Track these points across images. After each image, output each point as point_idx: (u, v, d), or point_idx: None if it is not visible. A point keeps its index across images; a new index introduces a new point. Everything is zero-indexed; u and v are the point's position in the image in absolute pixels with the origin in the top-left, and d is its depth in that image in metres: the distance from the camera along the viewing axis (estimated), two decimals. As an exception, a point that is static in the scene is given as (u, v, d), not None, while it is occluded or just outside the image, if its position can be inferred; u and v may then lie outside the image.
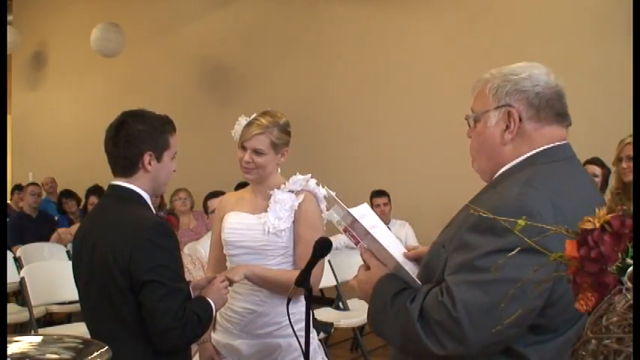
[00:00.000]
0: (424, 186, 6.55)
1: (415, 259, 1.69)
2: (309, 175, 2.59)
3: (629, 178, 3.52)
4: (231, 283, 2.34)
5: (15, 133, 10.80)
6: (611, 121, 5.01)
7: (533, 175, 1.49)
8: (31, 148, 10.47)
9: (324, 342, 4.54)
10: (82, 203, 7.20)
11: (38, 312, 4.83)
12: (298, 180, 2.55)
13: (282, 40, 7.75)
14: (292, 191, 2.54)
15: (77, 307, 4.83)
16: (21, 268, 4.79)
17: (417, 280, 1.55)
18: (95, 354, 1.27)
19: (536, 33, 5.96)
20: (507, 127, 1.56)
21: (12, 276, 4.83)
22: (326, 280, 4.79)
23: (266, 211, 2.52)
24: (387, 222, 5.90)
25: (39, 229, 6.48)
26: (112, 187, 2.20)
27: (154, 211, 2.24)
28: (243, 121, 2.58)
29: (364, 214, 1.69)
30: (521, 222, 1.11)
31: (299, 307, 2.44)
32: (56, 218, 7.21)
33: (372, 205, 5.92)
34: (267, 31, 7.88)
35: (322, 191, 2.57)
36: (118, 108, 2.26)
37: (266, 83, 7.74)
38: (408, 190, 6.46)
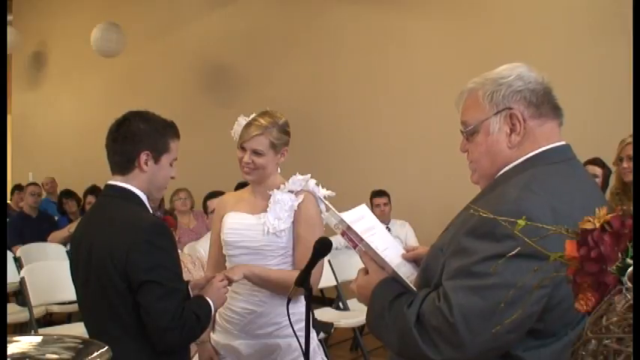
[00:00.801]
0: (424, 186, 6.55)
1: (414, 261, 1.69)
2: (309, 175, 2.59)
3: (629, 178, 3.52)
4: (230, 282, 2.34)
5: (15, 133, 10.81)
6: (612, 121, 5.01)
7: (532, 178, 1.47)
8: (31, 148, 10.47)
9: (324, 342, 4.54)
10: (82, 203, 7.20)
11: (38, 312, 4.83)
12: (298, 180, 2.55)
13: (282, 40, 7.75)
14: (292, 191, 2.54)
15: (77, 307, 4.83)
16: (21, 268, 4.79)
17: (412, 285, 1.55)
18: (95, 354, 1.27)
19: (536, 33, 5.96)
20: (512, 129, 1.54)
21: (12, 276, 4.83)
22: (326, 280, 4.80)
23: (265, 211, 2.51)
24: (387, 222, 5.90)
25: (39, 229, 6.48)
26: (109, 186, 2.20)
27: (151, 211, 2.24)
28: (242, 121, 2.58)
29: (361, 216, 1.68)
30: (521, 222, 1.11)
31: (299, 307, 2.44)
32: (56, 218, 7.21)
33: (372, 205, 5.92)
34: (267, 31, 7.88)
35: (322, 192, 2.57)
36: (118, 108, 2.27)
37: (266, 83, 7.74)
38: (408, 190, 6.46)
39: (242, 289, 2.52)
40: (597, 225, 0.98)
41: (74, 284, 2.22)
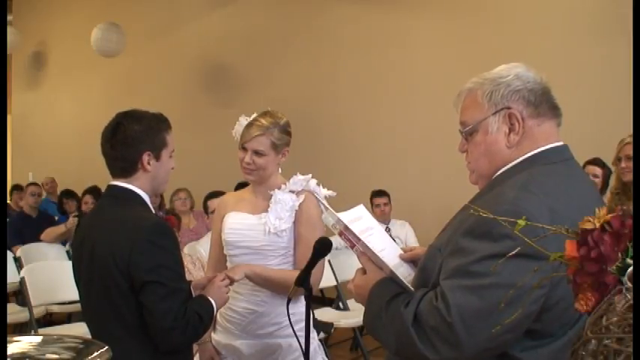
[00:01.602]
0: (424, 186, 6.55)
1: (412, 261, 1.69)
2: (310, 175, 2.59)
3: (628, 177, 3.52)
4: (231, 282, 2.34)
5: (15, 133, 10.81)
6: (611, 122, 5.01)
7: (529, 179, 1.47)
8: (31, 148, 10.48)
9: (324, 342, 4.54)
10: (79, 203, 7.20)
11: (38, 312, 4.83)
12: (299, 180, 2.55)
13: (282, 40, 7.75)
14: (293, 191, 2.54)
15: (77, 307, 4.84)
16: (21, 268, 4.79)
17: (409, 285, 1.55)
18: (95, 354, 1.27)
19: (536, 33, 5.96)
20: (511, 129, 1.54)
21: (12, 276, 4.84)
22: (326, 280, 4.79)
23: (266, 211, 2.52)
24: (387, 222, 5.90)
25: (39, 229, 6.48)
26: (111, 187, 2.20)
27: (153, 211, 2.25)
28: (243, 121, 2.58)
29: (359, 217, 1.68)
30: (521, 222, 1.11)
31: (299, 307, 2.44)
32: (56, 218, 7.21)
33: (372, 205, 5.92)
34: (268, 31, 7.88)
35: (323, 191, 2.57)
36: (118, 108, 2.26)
37: (266, 83, 7.74)
38: (408, 190, 6.46)
39: (243, 289, 2.52)
40: (597, 225, 0.98)
41: (76, 284, 2.22)
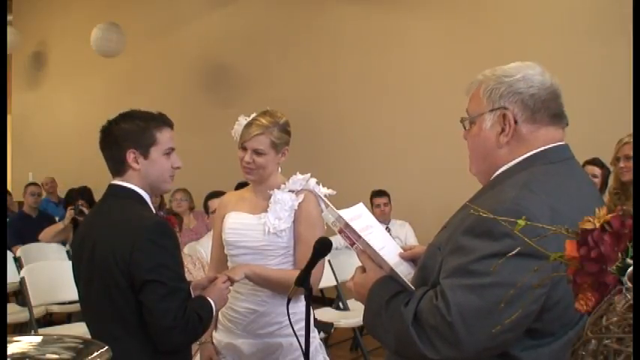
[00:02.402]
0: (424, 186, 6.55)
1: (412, 260, 1.69)
2: (309, 174, 2.59)
3: (627, 177, 3.53)
4: (232, 282, 2.34)
5: (15, 133, 10.81)
6: (611, 122, 5.01)
7: (530, 178, 1.47)
8: (31, 148, 10.47)
9: (324, 342, 4.54)
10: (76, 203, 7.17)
11: (38, 312, 4.83)
12: (298, 180, 2.55)
13: (282, 40, 7.75)
14: (292, 191, 2.54)
15: (77, 307, 4.83)
16: (21, 268, 4.79)
17: (409, 284, 1.55)
18: (95, 354, 1.27)
19: (536, 33, 5.96)
20: (503, 130, 1.54)
21: (12, 276, 4.83)
22: (326, 280, 4.79)
23: (266, 211, 2.52)
24: (387, 222, 5.90)
25: (39, 229, 6.48)
26: (111, 186, 2.20)
27: (154, 211, 2.25)
28: (243, 120, 2.58)
29: (359, 215, 1.68)
30: (521, 222, 1.11)
31: (300, 306, 2.44)
32: (57, 219, 7.20)
33: (372, 205, 5.92)
34: (268, 31, 7.88)
35: (322, 190, 2.57)
36: (118, 108, 2.27)
37: (266, 83, 7.74)
38: (408, 190, 6.46)
39: (244, 288, 2.52)
40: (597, 225, 0.98)
41: (76, 284, 2.22)
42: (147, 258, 2.02)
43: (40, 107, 10.50)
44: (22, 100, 10.82)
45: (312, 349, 2.27)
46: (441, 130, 6.28)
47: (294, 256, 2.53)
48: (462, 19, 6.47)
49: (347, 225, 1.61)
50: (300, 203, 2.51)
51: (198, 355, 2.66)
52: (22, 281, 4.35)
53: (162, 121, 2.20)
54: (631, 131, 3.44)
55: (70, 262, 2.33)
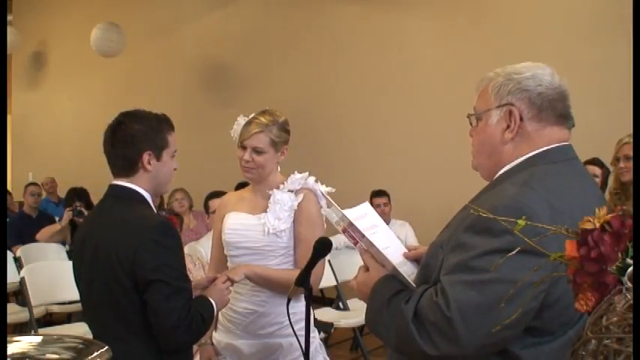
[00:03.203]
0: (424, 186, 6.55)
1: (415, 260, 1.69)
2: (307, 173, 2.59)
3: (627, 177, 3.53)
4: (232, 282, 2.34)
5: (15, 133, 10.81)
6: (611, 122, 5.01)
7: (531, 176, 1.48)
8: (31, 148, 10.47)
9: (324, 342, 4.54)
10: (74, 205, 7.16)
11: (38, 312, 4.83)
12: (297, 179, 2.55)
13: (282, 40, 7.75)
14: (291, 191, 2.54)
15: (77, 307, 4.84)
16: (21, 268, 4.79)
17: (412, 283, 1.55)
18: (95, 354, 1.27)
19: (536, 33, 5.96)
20: (508, 126, 1.55)
21: (12, 276, 4.83)
22: (326, 280, 4.79)
23: (266, 211, 2.52)
24: (387, 222, 5.83)
25: (39, 229, 6.48)
26: (113, 186, 2.20)
27: (155, 211, 2.25)
28: (242, 120, 2.58)
29: (364, 214, 1.68)
30: (521, 222, 1.11)
31: (300, 307, 2.44)
32: (57, 219, 7.20)
33: (371, 205, 5.90)
34: (267, 31, 7.88)
35: (322, 188, 2.57)
36: (118, 108, 2.26)
37: (266, 83, 7.74)
38: (408, 190, 6.46)
39: (244, 289, 2.52)
40: (597, 225, 0.98)
41: (77, 284, 2.22)
42: (151, 258, 2.02)
43: (40, 107, 10.49)
44: (22, 100, 10.82)
45: (312, 349, 2.27)
46: (441, 130, 6.28)
47: (294, 256, 2.53)
48: (462, 20, 6.47)
49: (351, 224, 1.61)
50: (299, 203, 2.51)
51: (198, 355, 2.66)
52: (22, 281, 4.35)
53: (170, 124, 2.23)
54: (631, 131, 3.44)
55: (70, 262, 2.33)
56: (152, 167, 2.15)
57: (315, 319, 3.01)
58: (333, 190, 2.57)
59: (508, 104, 1.55)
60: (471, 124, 1.65)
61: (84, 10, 9.60)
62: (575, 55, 5.70)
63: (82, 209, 6.05)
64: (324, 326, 4.16)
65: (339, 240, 4.93)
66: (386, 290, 1.54)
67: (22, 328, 5.09)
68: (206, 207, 4.67)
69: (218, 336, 2.63)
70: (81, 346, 1.31)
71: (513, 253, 1.18)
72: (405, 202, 6.25)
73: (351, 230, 1.62)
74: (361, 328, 4.97)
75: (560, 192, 1.46)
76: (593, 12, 5.74)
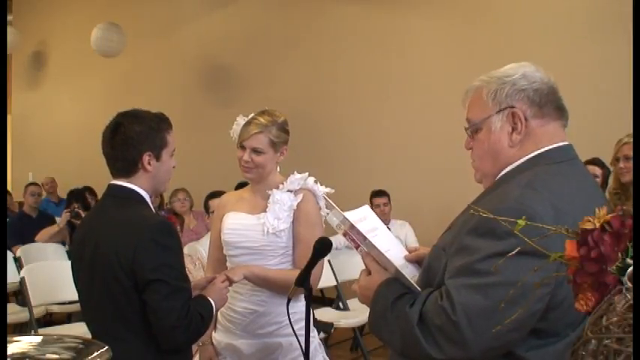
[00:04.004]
0: (424, 186, 6.55)
1: (416, 261, 1.68)
2: (307, 173, 2.59)
3: (627, 178, 3.53)
4: (230, 283, 2.34)
5: (15, 133, 10.80)
6: (612, 121, 5.01)
7: (534, 178, 1.48)
8: (31, 148, 10.47)
9: (324, 342, 4.54)
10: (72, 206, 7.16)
11: (38, 312, 4.83)
12: (296, 179, 2.55)
13: (282, 40, 7.75)
14: (291, 191, 2.54)
15: (77, 307, 4.83)
16: (21, 268, 4.79)
17: (415, 285, 1.54)
18: (95, 354, 1.27)
19: (536, 33, 5.96)
20: (514, 128, 1.54)
21: (12, 276, 4.83)
22: (326, 280, 4.79)
23: (265, 210, 2.52)
24: (387, 222, 5.90)
25: (39, 229, 6.48)
26: (112, 187, 2.19)
27: (154, 211, 2.25)
28: (241, 120, 2.58)
29: (364, 217, 1.67)
30: (521, 222, 1.11)
31: (299, 306, 2.44)
32: (57, 219, 7.20)
33: (371, 205, 5.91)
34: (268, 31, 7.88)
35: (321, 189, 2.57)
36: (118, 108, 2.26)
37: (266, 83, 7.74)
38: (408, 190, 6.46)
39: (243, 289, 2.52)
40: (597, 225, 0.98)
41: (76, 284, 2.22)
42: (150, 258, 2.02)
43: (40, 107, 10.49)
44: (22, 100, 10.82)
45: (311, 348, 2.27)
46: (441, 130, 6.28)
47: (292, 256, 2.53)
48: (462, 19, 6.47)
49: (352, 227, 1.60)
50: (299, 203, 2.51)
51: (198, 355, 2.66)
52: (22, 281, 4.35)
53: (168, 123, 2.22)
54: (631, 131, 3.44)
55: (70, 262, 2.33)
56: (152, 167, 2.15)
57: (315, 319, 3.01)
58: (333, 190, 2.57)
59: (509, 107, 1.54)
60: (469, 135, 1.62)
61: (84, 10, 9.59)
62: (575, 54, 5.70)
63: (80, 211, 6.06)
64: (324, 326, 4.16)
65: (339, 240, 4.93)
66: (389, 294, 1.53)
67: (22, 328, 5.08)
68: (206, 207, 4.68)
69: (218, 336, 2.63)
70: (81, 346, 1.31)
71: (513, 253, 1.17)
72: (405, 202, 6.25)
73: (352, 233, 1.61)
74: (361, 328, 4.97)
75: (563, 193, 1.46)
76: (592, 11, 5.74)
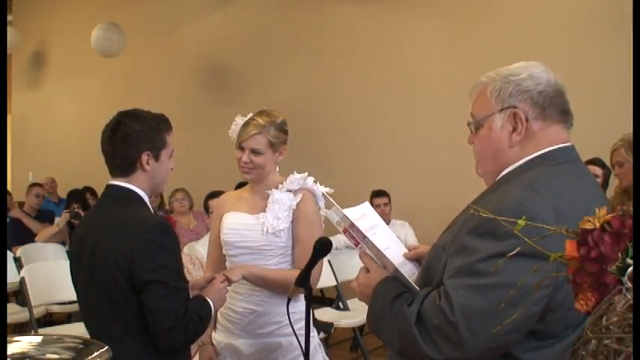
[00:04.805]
0: (424, 186, 6.55)
1: (416, 259, 1.68)
2: (306, 173, 2.59)
3: (624, 183, 3.52)
4: (229, 282, 2.34)
5: (15, 133, 10.80)
6: (612, 121, 5.00)
7: (535, 178, 1.47)
8: (31, 148, 10.47)
9: (324, 342, 4.54)
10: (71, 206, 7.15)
11: (38, 312, 4.83)
12: (296, 179, 2.55)
13: (282, 40, 7.75)
14: (290, 190, 2.54)
15: (77, 307, 4.80)
16: (21, 268, 4.79)
17: (414, 284, 1.54)
18: (95, 354, 1.27)
19: (536, 33, 5.96)
20: (514, 128, 1.53)
21: (12, 276, 4.83)
22: (326, 280, 4.80)
23: (264, 210, 2.52)
24: (387, 222, 5.86)
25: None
26: (110, 187, 2.19)
27: (153, 211, 2.25)
28: (239, 120, 2.58)
29: (364, 214, 1.67)
30: (521, 222, 1.10)
31: (299, 306, 2.44)
32: (56, 219, 7.20)
33: (372, 206, 5.90)
34: (268, 31, 7.87)
35: (320, 189, 2.57)
36: (118, 108, 2.26)
37: (266, 83, 7.74)
38: (408, 190, 6.46)
39: (242, 288, 2.52)
40: (597, 225, 0.98)
41: (74, 284, 2.22)
42: (148, 258, 2.02)
43: (40, 107, 10.49)
44: (22, 100, 10.81)
45: (310, 348, 2.27)
46: (442, 129, 6.28)
47: (292, 256, 2.53)
48: (462, 19, 6.47)
49: (352, 225, 1.60)
50: (298, 203, 2.51)
51: (198, 356, 2.65)
52: (22, 281, 4.35)
53: (169, 124, 2.22)
54: (630, 130, 3.43)
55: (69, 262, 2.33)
56: (150, 167, 2.15)
57: (315, 319, 3.01)
58: (332, 190, 2.57)
59: (511, 107, 1.54)
60: (471, 131, 1.62)
61: (84, 10, 9.59)
62: (575, 54, 5.70)
63: (80, 211, 6.06)
64: (324, 326, 4.15)
65: (339, 240, 4.93)
66: (388, 292, 1.53)
67: (22, 328, 5.08)
68: (206, 207, 4.68)
69: (217, 336, 2.62)
70: (81, 346, 1.31)
71: (513, 253, 1.17)
72: (405, 202, 6.25)
73: (352, 231, 1.61)
74: (361, 328, 4.97)
75: (564, 194, 1.46)
76: (592, 11, 5.74)
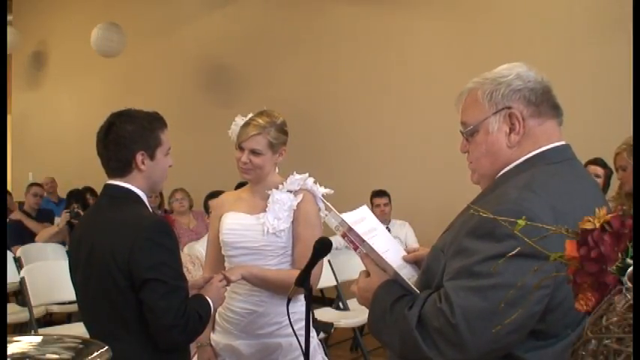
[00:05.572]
0: (424, 186, 6.55)
1: (415, 262, 1.68)
2: (307, 174, 2.59)
3: (626, 188, 3.51)
4: (228, 282, 2.34)
5: (15, 133, 10.80)
6: (612, 121, 5.01)
7: (532, 179, 1.47)
8: (31, 148, 10.47)
9: (324, 342, 4.54)
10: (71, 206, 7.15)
11: (38, 312, 4.83)
12: (296, 180, 2.55)
13: (282, 40, 7.75)
14: (290, 191, 2.54)
15: (77, 306, 4.83)
16: (21, 268, 4.79)
17: (413, 287, 1.54)
18: (95, 354, 1.27)
19: (536, 33, 5.96)
20: (511, 129, 1.54)
21: (12, 276, 4.83)
22: (326, 280, 4.80)
23: (264, 211, 2.51)
24: (387, 222, 5.90)
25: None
26: (108, 186, 2.19)
27: (151, 210, 2.24)
28: (239, 120, 2.57)
29: (362, 218, 1.67)
30: (521, 222, 1.10)
31: (299, 306, 2.44)
32: (56, 218, 7.20)
33: (372, 206, 5.92)
34: (268, 31, 7.88)
35: (320, 190, 2.57)
36: (118, 108, 2.26)
37: (266, 83, 7.74)
38: (408, 190, 6.46)
39: (241, 289, 2.52)
40: (597, 225, 0.98)
41: (73, 284, 2.22)
42: (146, 257, 2.02)
43: (40, 107, 10.49)
44: (22, 100, 10.81)
45: (310, 348, 2.27)
46: (441, 130, 6.27)
47: (292, 256, 2.53)
48: (462, 20, 6.47)
49: (350, 229, 1.60)
50: (298, 203, 2.51)
51: (196, 357, 2.65)
52: (22, 281, 4.35)
53: (163, 121, 2.21)
54: (630, 131, 3.43)
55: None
56: (146, 167, 2.14)
57: (315, 319, 3.01)
58: (332, 191, 2.57)
59: (505, 108, 1.54)
60: (467, 139, 1.61)
61: (84, 10, 9.59)
62: (575, 54, 5.70)
63: (79, 211, 6.07)
64: (324, 326, 4.15)
65: (338, 240, 4.92)
66: (388, 296, 1.53)
67: (22, 328, 5.08)
68: (206, 207, 4.68)
69: (216, 337, 2.62)
70: (81, 346, 1.31)
71: (512, 253, 1.17)
72: (405, 202, 6.25)
73: (350, 235, 1.61)
74: (361, 328, 4.97)
75: (561, 193, 1.46)
76: (592, 11, 5.74)
